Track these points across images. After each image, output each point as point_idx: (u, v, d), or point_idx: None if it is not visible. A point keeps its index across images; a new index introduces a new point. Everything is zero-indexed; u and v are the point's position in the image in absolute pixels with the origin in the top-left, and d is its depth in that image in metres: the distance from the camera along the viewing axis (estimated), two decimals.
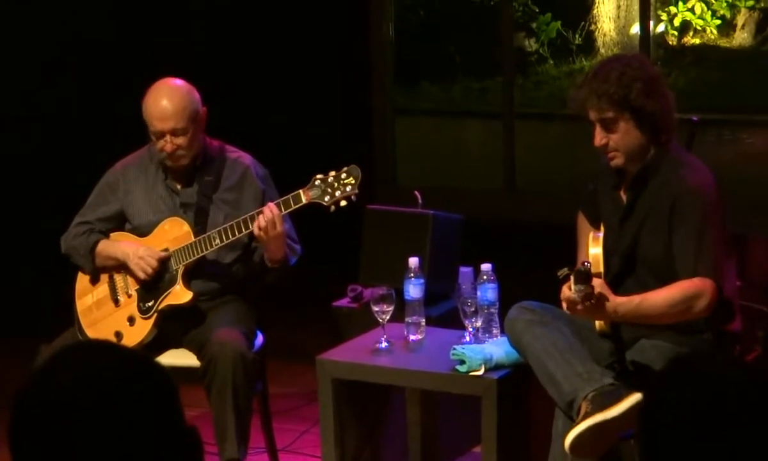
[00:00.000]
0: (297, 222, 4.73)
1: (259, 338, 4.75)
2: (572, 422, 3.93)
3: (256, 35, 7.81)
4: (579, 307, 3.88)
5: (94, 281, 4.76)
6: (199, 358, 4.52)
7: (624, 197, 4.20)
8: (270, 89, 7.79)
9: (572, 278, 3.86)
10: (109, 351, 1.92)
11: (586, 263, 3.90)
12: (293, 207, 4.46)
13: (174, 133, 4.57)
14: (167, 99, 4.58)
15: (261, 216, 4.44)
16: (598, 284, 3.88)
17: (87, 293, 4.77)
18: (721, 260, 4.02)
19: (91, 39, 7.72)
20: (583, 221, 4.42)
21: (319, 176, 4.46)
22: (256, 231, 4.45)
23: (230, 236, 4.51)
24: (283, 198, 4.49)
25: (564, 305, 3.94)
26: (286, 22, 7.81)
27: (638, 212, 4.13)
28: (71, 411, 1.81)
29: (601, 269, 4.07)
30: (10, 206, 7.52)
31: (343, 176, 4.45)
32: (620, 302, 3.92)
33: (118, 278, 4.71)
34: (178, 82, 4.65)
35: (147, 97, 4.62)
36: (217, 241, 4.54)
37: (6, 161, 7.61)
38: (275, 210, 4.44)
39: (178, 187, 4.71)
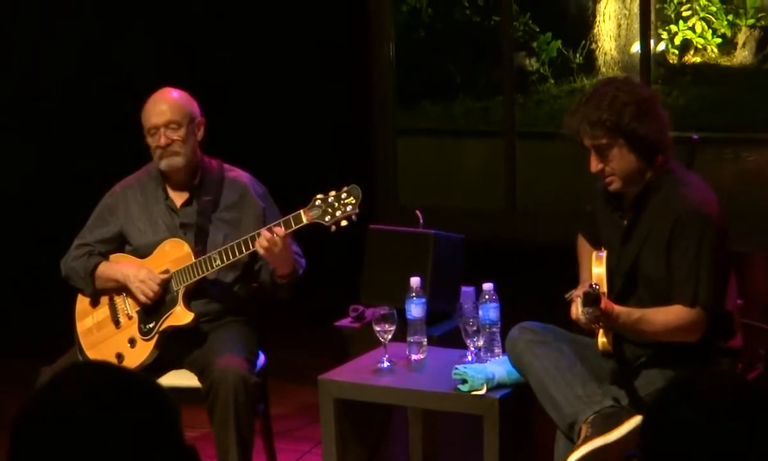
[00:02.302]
0: (298, 242, 4.73)
1: (261, 359, 4.75)
2: (573, 444, 3.93)
3: (257, 55, 7.82)
4: (587, 328, 3.93)
5: (95, 303, 4.76)
6: (200, 380, 4.52)
7: (624, 217, 4.20)
8: (271, 109, 7.80)
9: (581, 300, 3.88)
10: (108, 371, 1.92)
11: (594, 286, 3.91)
12: (294, 227, 4.46)
13: (168, 125, 4.61)
14: (163, 97, 4.68)
15: (261, 237, 4.44)
16: (603, 301, 3.90)
17: (87, 314, 4.76)
18: (718, 284, 4.04)
19: (85, 55, 7.74)
20: (583, 243, 4.42)
21: (319, 196, 4.45)
22: (260, 251, 4.45)
23: (231, 257, 4.51)
24: (283, 218, 4.49)
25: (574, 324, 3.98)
26: (287, 42, 7.82)
27: (639, 232, 4.13)
28: (71, 432, 1.81)
29: (605, 288, 4.08)
30: (9, 228, 7.51)
31: (344, 195, 4.44)
32: (622, 312, 3.96)
33: (119, 300, 4.71)
34: (175, 89, 4.72)
35: (146, 103, 4.70)
36: (218, 262, 4.53)
37: (4, 183, 7.61)
38: (278, 230, 4.44)
39: (178, 206, 4.72)
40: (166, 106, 4.64)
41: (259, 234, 4.46)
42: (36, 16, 7.67)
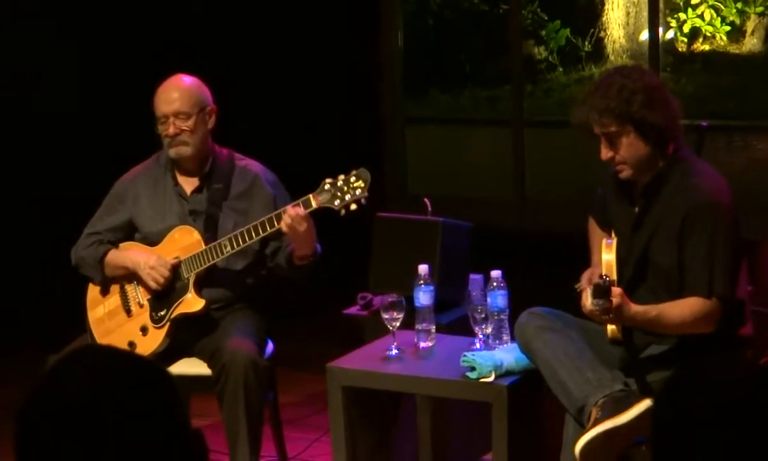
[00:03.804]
0: None
1: (269, 347, 4.75)
2: (583, 428, 3.93)
3: (264, 45, 7.82)
4: (597, 319, 3.93)
5: (105, 292, 4.77)
6: (210, 366, 4.52)
7: (635, 205, 4.19)
8: (279, 98, 7.79)
9: (591, 291, 3.87)
10: (111, 354, 1.92)
11: (605, 278, 3.91)
12: None
13: (177, 115, 4.61)
14: (174, 85, 4.69)
15: (286, 214, 4.43)
16: (617, 294, 3.89)
17: (98, 304, 4.77)
18: (733, 271, 4.03)
19: (93, 47, 7.74)
20: (594, 226, 4.42)
21: (328, 180, 4.44)
22: (284, 228, 4.44)
23: (241, 243, 4.51)
24: (293, 203, 4.48)
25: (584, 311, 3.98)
26: (295, 31, 7.81)
27: (650, 221, 4.12)
28: (74, 416, 1.81)
29: (615, 276, 4.08)
30: (19, 219, 7.52)
31: (353, 179, 4.43)
32: (638, 312, 3.96)
33: (130, 288, 4.72)
34: (187, 75, 4.72)
35: (157, 90, 4.69)
36: (228, 248, 4.53)
37: (13, 176, 7.62)
38: (300, 210, 4.44)
39: (188, 193, 4.72)
40: (176, 94, 4.65)
41: (270, 218, 4.46)
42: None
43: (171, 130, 4.62)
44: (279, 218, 4.46)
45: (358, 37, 7.73)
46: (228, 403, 4.43)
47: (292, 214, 4.42)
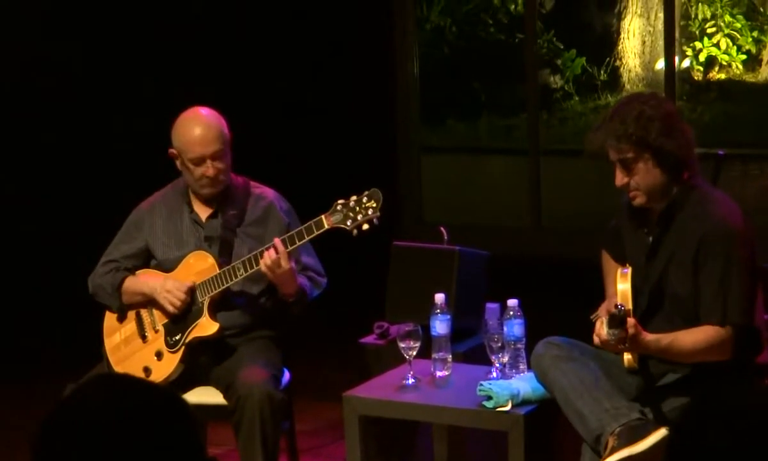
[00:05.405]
0: (322, 257, 4.73)
1: (286, 376, 4.75)
2: (599, 457, 3.92)
3: (281, 75, 7.85)
4: (612, 349, 3.92)
5: (122, 318, 4.78)
6: (225, 397, 4.52)
7: (649, 234, 4.19)
8: (296, 127, 7.82)
9: (606, 321, 3.86)
10: (129, 382, 1.93)
11: (620, 307, 3.89)
12: (316, 233, 4.46)
13: (214, 156, 4.60)
14: (205, 124, 4.63)
15: (266, 254, 4.45)
16: (631, 323, 3.88)
17: (115, 331, 4.78)
18: (749, 298, 4.02)
19: (104, 77, 7.77)
20: (607, 259, 4.41)
21: (340, 201, 4.45)
22: (263, 268, 4.45)
23: (254, 266, 4.51)
24: (305, 224, 4.48)
25: (596, 341, 3.96)
26: (311, 60, 7.84)
27: (664, 250, 4.12)
28: (92, 441, 1.82)
29: (630, 305, 4.07)
30: (36, 250, 7.55)
31: (365, 199, 4.44)
32: (651, 340, 3.95)
33: (145, 314, 4.73)
34: (207, 109, 4.70)
35: (180, 128, 4.65)
36: (242, 271, 4.54)
37: (30, 206, 7.66)
38: (280, 247, 4.45)
39: (203, 219, 4.73)
40: (212, 135, 4.59)
41: (269, 248, 4.47)
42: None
43: (211, 172, 4.60)
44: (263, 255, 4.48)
45: (373, 66, 7.75)
46: (244, 436, 4.42)
47: (272, 255, 4.43)
